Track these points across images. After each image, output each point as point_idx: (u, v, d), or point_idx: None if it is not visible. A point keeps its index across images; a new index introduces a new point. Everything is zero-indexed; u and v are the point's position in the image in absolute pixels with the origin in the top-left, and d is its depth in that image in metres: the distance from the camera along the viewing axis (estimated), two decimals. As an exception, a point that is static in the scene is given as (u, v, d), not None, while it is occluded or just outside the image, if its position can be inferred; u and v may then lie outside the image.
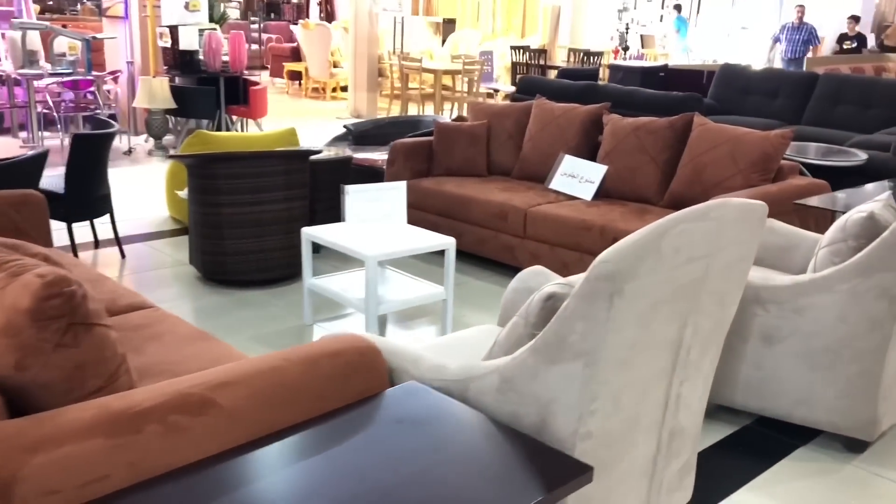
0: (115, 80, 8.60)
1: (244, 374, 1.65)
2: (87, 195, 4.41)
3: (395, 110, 11.27)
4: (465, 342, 2.51)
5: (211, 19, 9.14)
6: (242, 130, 8.66)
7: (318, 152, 4.47)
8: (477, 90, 11.54)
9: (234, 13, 16.58)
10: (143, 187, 6.46)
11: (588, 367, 1.66)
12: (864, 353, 2.71)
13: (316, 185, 4.69)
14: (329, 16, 17.12)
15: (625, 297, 1.62)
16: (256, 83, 8.49)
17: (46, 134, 8.13)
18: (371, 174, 5.23)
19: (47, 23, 8.51)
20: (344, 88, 12.63)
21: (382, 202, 3.77)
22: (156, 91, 7.54)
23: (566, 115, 4.91)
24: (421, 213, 4.93)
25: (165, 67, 8.38)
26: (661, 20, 16.33)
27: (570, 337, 1.66)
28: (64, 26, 9.28)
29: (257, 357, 1.74)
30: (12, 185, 3.49)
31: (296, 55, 14.13)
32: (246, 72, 8.49)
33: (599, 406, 1.71)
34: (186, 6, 8.26)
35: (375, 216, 3.79)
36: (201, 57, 8.18)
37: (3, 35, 8.24)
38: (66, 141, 7.73)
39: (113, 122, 4.74)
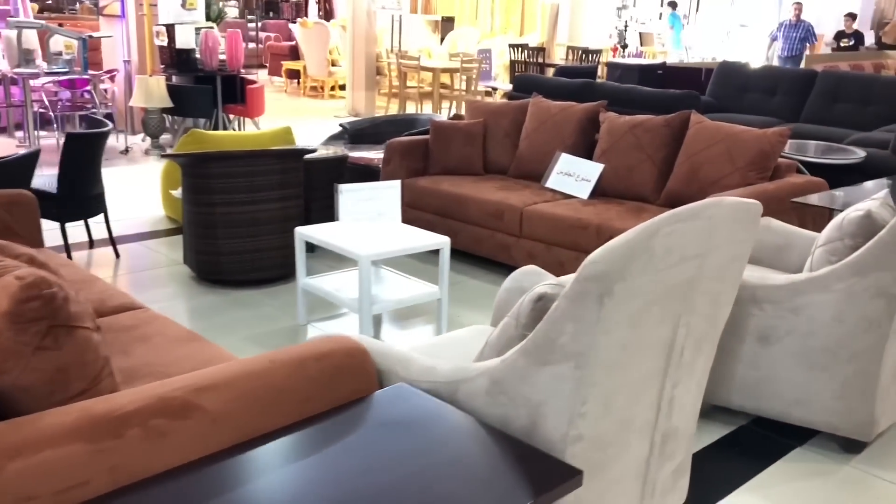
0: (112, 78, 8.57)
1: (229, 377, 1.62)
2: (80, 195, 4.38)
3: (394, 109, 11.24)
4: (457, 343, 2.49)
5: (208, 18, 9.12)
6: (240, 129, 8.64)
7: (313, 151, 4.45)
8: (475, 88, 11.51)
9: (232, 12, 16.55)
10: (139, 187, 6.43)
11: (578, 369, 1.63)
12: (861, 352, 2.69)
13: (311, 185, 4.67)
14: (328, 14, 17.09)
15: (615, 297, 1.59)
16: (254, 82, 8.46)
17: (43, 133, 8.10)
18: (367, 173, 5.21)
19: (43, 21, 8.47)
20: (342, 87, 12.60)
21: (376, 201, 3.75)
22: (152, 90, 7.52)
23: (563, 114, 4.89)
24: (417, 212, 4.90)
25: (162, 66, 8.35)
26: (660, 18, 16.32)
27: (559, 338, 1.64)
28: (60, 25, 9.24)
29: (243, 359, 1.72)
30: (3, 184, 3.47)
31: (294, 54, 14.10)
32: (243, 70, 8.46)
33: (590, 408, 1.68)
34: (183, 4, 8.24)
35: (369, 215, 3.76)
36: (198, 56, 8.15)
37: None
38: (63, 140, 7.70)
39: (107, 121, 4.71)
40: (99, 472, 1.40)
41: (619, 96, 6.40)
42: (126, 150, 7.85)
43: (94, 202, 4.51)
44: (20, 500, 1.30)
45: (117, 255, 4.70)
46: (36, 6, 11.66)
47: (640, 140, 4.47)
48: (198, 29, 8.19)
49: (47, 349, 1.51)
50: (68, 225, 4.58)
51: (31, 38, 7.98)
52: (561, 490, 1.50)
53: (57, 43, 7.98)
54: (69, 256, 4.41)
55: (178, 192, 4.72)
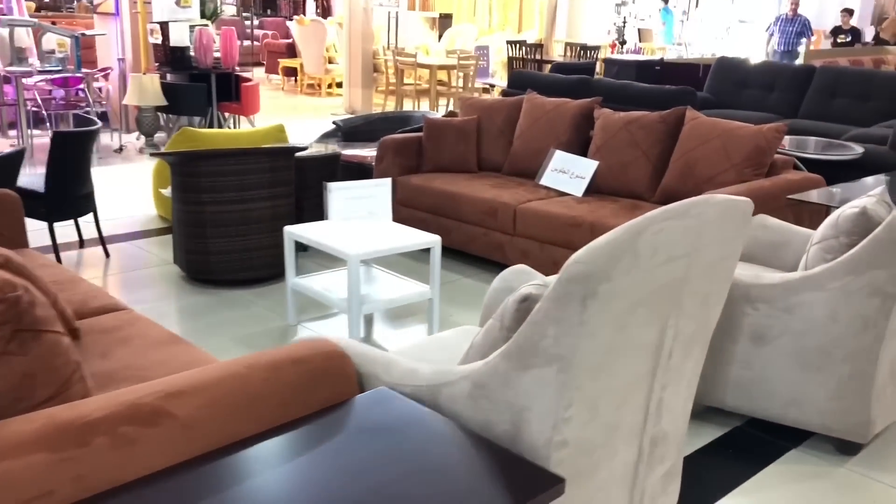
0: (106, 77, 8.52)
1: (202, 383, 1.57)
2: (68, 194, 4.33)
3: (391, 106, 11.19)
4: (444, 344, 2.44)
5: (203, 15, 9.06)
6: (235, 127, 8.59)
7: (304, 149, 4.40)
8: (472, 86, 11.45)
9: (230, 9, 16.49)
10: (132, 185, 6.38)
11: (562, 373, 1.59)
12: (856, 352, 2.64)
13: (303, 183, 4.62)
14: (325, 11, 17.03)
15: (599, 299, 1.54)
16: (248, 79, 8.40)
17: (36, 132, 8.05)
18: (360, 171, 5.16)
19: (35, 20, 8.42)
20: (339, 84, 12.55)
21: (367, 199, 3.70)
22: (146, 88, 7.46)
23: (557, 110, 4.84)
24: (410, 210, 4.85)
25: (156, 64, 8.30)
26: (659, 14, 16.23)
27: (542, 341, 1.59)
28: (54, 23, 9.19)
29: (218, 363, 1.67)
30: (-12, 184, 3.42)
31: (291, 51, 14.04)
32: (238, 68, 8.41)
33: (575, 413, 1.64)
34: (178, 2, 8.18)
35: (360, 214, 3.72)
36: (192, 53, 8.10)
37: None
38: (56, 139, 7.65)
39: (96, 119, 4.67)
40: (63, 481, 1.35)
41: (615, 92, 6.35)
42: (120, 149, 7.80)
43: (82, 202, 4.46)
44: (-24, 513, 1.26)
45: (107, 255, 4.65)
46: (33, 5, 11.61)
47: (635, 137, 4.42)
48: (192, 26, 8.14)
49: (12, 354, 1.46)
50: (58, 225, 4.53)
51: (23, 37, 7.93)
52: (543, 498, 1.45)
53: (50, 41, 7.93)
54: (57, 257, 4.36)
55: (167, 191, 4.67)
